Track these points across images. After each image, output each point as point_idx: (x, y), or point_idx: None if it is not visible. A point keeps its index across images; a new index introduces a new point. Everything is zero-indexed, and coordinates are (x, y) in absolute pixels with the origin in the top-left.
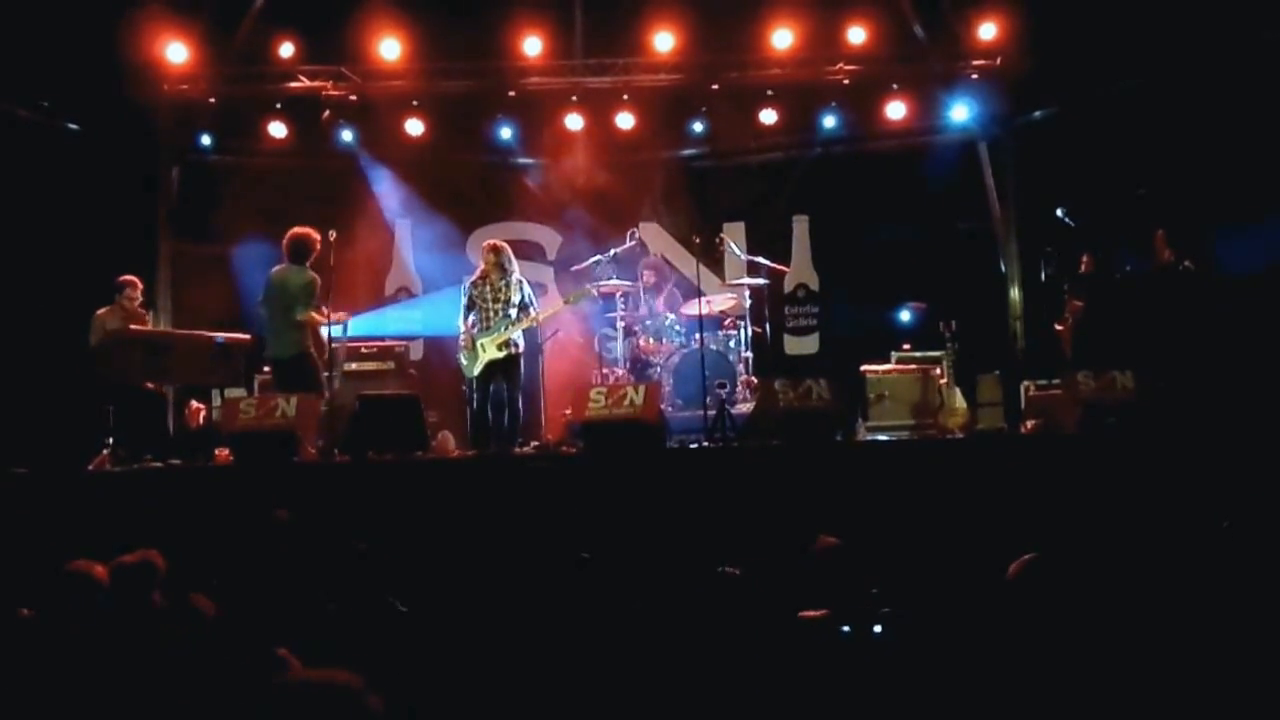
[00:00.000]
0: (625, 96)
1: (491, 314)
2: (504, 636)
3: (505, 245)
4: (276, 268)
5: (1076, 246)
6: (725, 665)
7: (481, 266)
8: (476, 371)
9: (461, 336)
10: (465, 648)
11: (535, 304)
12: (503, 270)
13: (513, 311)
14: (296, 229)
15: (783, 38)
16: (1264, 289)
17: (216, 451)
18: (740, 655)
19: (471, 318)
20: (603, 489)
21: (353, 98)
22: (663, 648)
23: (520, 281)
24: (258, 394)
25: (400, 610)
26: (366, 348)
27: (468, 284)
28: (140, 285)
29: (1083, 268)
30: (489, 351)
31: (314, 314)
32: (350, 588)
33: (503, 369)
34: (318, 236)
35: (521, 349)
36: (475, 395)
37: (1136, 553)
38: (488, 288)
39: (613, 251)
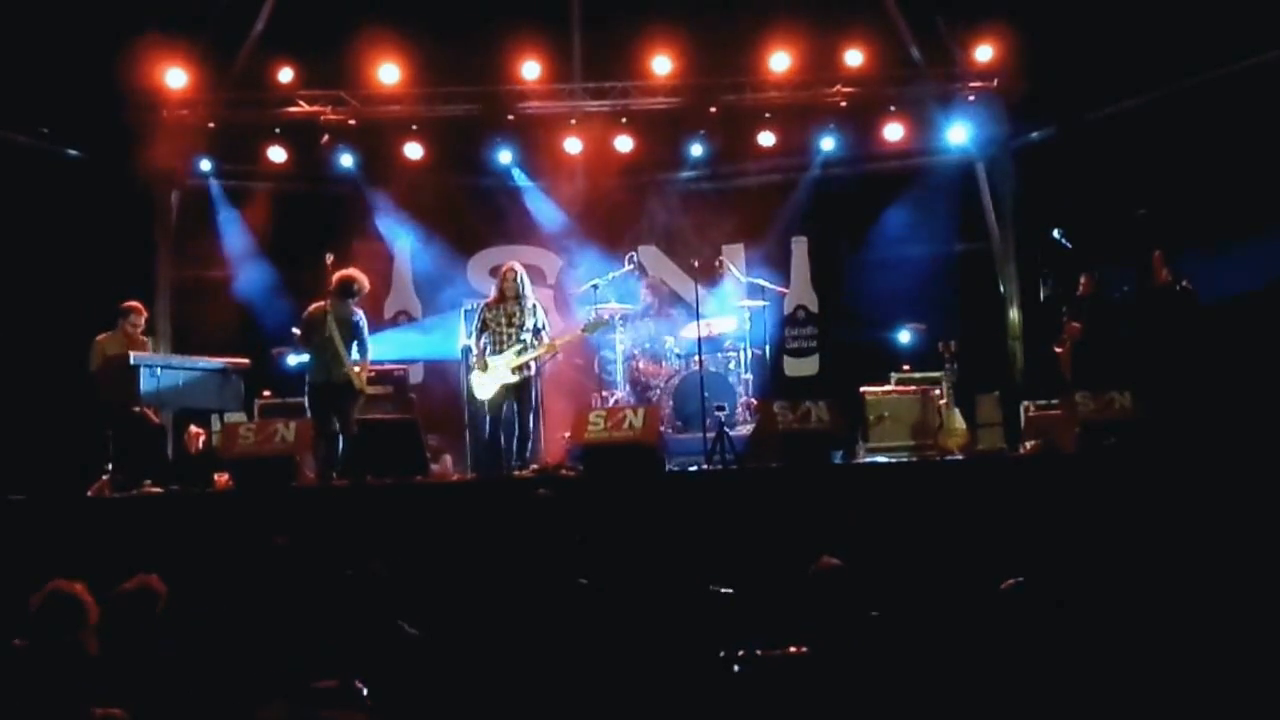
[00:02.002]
0: (624, 120)
1: (505, 337)
2: (505, 658)
3: (521, 269)
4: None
5: (1074, 267)
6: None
7: (497, 289)
8: (489, 394)
9: (474, 358)
10: (467, 669)
11: (548, 328)
12: (519, 294)
13: (526, 335)
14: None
15: (780, 60)
16: (1262, 307)
17: (216, 476)
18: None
19: (484, 339)
20: (602, 512)
21: (352, 122)
22: (662, 668)
23: (535, 305)
24: (257, 419)
25: (409, 633)
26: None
27: (481, 305)
28: (144, 312)
29: (1081, 289)
30: (502, 373)
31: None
32: (354, 610)
33: (515, 391)
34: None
35: (534, 371)
36: (486, 417)
37: (1135, 570)
38: (501, 311)
39: (612, 274)
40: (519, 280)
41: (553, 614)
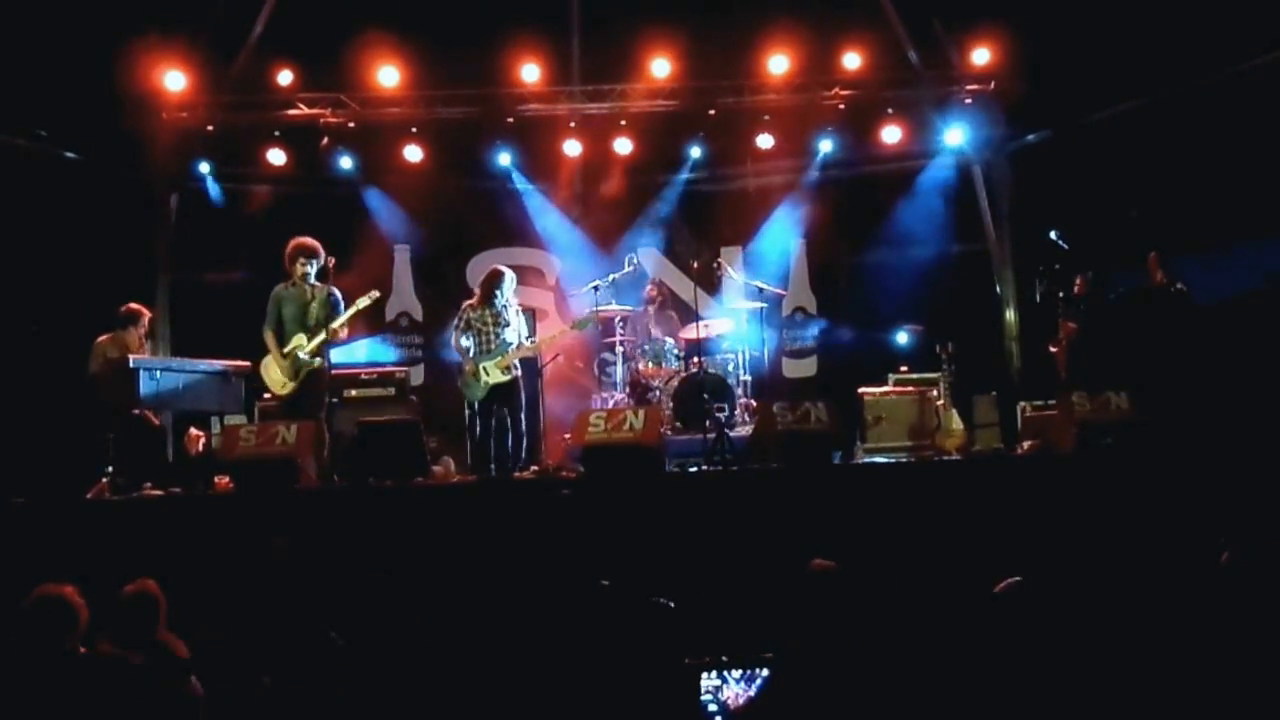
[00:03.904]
0: (623, 122)
1: (492, 338)
2: (508, 660)
3: (507, 271)
4: None
5: (1070, 268)
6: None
7: (482, 291)
8: (481, 396)
9: (465, 362)
10: (467, 673)
11: (526, 333)
12: (502, 295)
13: (512, 335)
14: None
15: (779, 63)
16: (1257, 309)
17: (216, 479)
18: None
19: (466, 341)
20: (603, 513)
21: (351, 125)
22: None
23: (519, 310)
24: (258, 421)
25: (412, 636)
26: (367, 373)
27: (465, 306)
28: (148, 315)
29: (1076, 289)
30: (493, 375)
31: (264, 332)
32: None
33: (504, 392)
34: (293, 245)
35: (520, 372)
36: (479, 420)
37: (1133, 572)
38: (486, 312)
39: (612, 276)
40: (504, 283)
41: (556, 615)
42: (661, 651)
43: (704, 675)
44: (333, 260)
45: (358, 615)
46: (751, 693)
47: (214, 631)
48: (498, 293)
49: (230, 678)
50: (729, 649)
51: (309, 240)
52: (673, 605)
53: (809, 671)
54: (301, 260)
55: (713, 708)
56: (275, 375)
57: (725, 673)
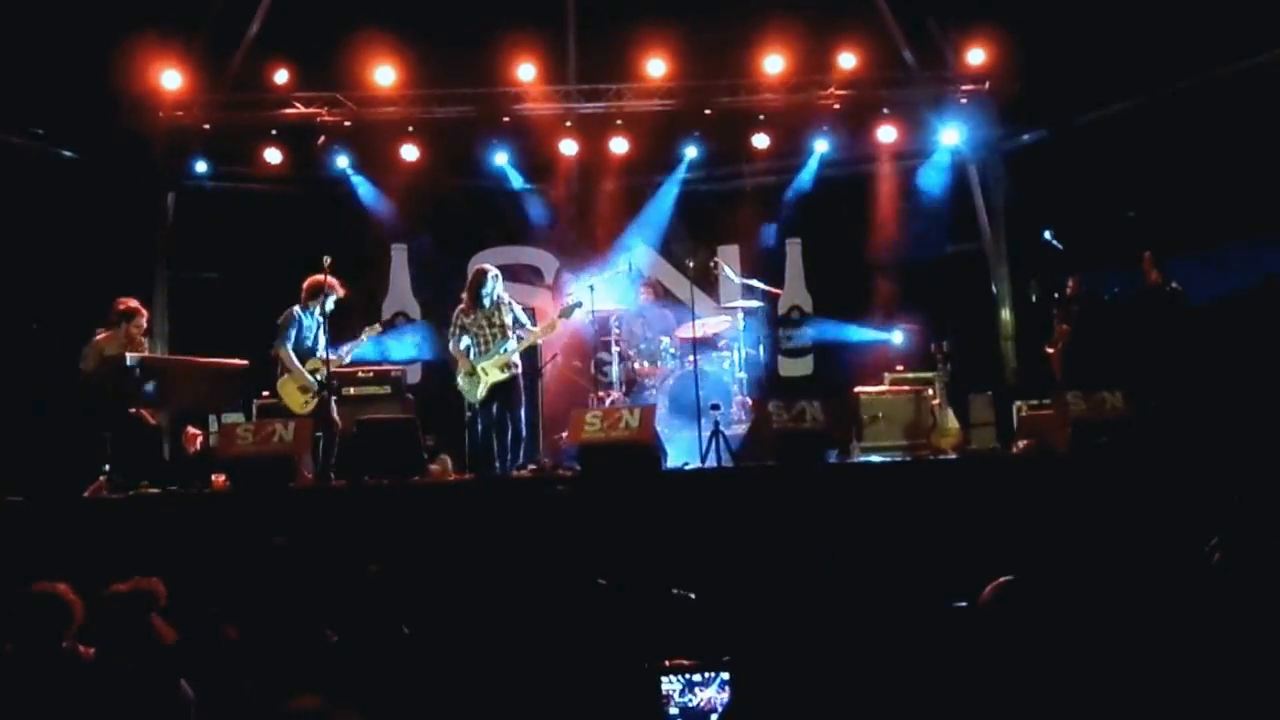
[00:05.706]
0: (619, 121)
1: (489, 337)
2: (505, 660)
3: (491, 269)
4: None
5: (1063, 269)
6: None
7: (471, 293)
8: (480, 395)
9: (462, 363)
10: (465, 672)
11: (528, 322)
12: (491, 294)
13: (510, 332)
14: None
15: (774, 63)
16: (1251, 309)
17: (214, 477)
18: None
19: (465, 342)
20: (599, 511)
21: (347, 124)
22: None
23: (510, 303)
24: (255, 419)
25: (403, 634)
26: (364, 372)
27: (457, 311)
28: (145, 313)
29: (1069, 291)
30: (491, 374)
31: (282, 351)
32: (352, 613)
33: (504, 391)
34: (315, 280)
35: (520, 369)
36: (480, 419)
37: (1127, 570)
38: (480, 314)
39: (608, 275)
40: (488, 282)
41: (553, 614)
42: (629, 652)
43: (665, 679)
44: (329, 259)
45: (353, 613)
46: (726, 695)
47: (211, 630)
48: (484, 293)
49: (226, 675)
50: (724, 648)
51: (333, 280)
52: (693, 596)
53: (800, 670)
54: (323, 298)
55: (674, 711)
56: (295, 395)
57: (689, 676)
